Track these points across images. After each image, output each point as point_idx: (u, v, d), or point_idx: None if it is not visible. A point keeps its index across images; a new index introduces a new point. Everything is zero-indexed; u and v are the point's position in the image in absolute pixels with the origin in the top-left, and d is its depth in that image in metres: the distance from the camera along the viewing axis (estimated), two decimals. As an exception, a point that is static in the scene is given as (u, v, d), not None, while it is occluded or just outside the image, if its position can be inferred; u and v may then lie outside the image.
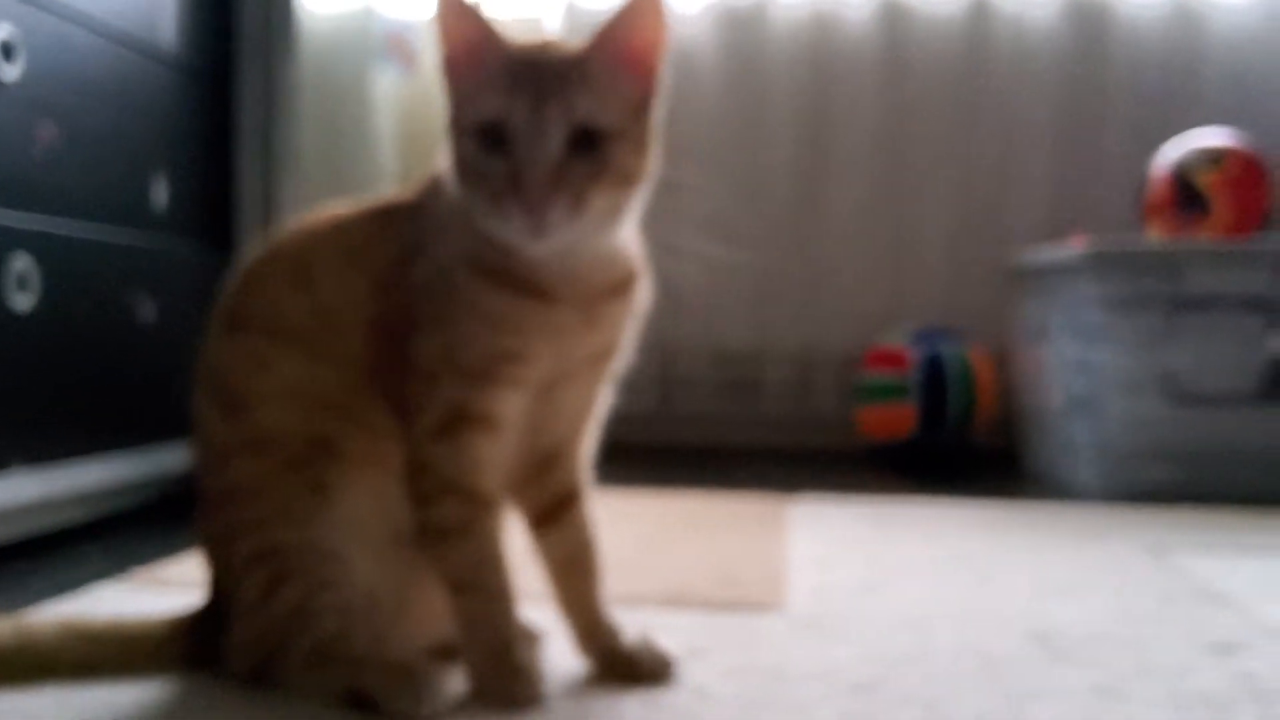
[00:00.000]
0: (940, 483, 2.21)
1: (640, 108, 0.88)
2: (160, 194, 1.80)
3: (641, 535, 1.61)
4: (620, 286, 0.93)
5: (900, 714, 0.90)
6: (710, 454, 2.67)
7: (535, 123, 0.83)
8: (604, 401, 0.99)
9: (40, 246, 1.50)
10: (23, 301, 1.46)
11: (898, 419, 2.48)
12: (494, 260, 0.88)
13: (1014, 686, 0.97)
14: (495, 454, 0.92)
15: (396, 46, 2.53)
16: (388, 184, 2.41)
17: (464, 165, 0.87)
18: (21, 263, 1.46)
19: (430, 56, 2.62)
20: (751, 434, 2.82)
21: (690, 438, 2.80)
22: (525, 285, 0.89)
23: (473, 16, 0.86)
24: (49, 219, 1.53)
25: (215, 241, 1.96)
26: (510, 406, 0.91)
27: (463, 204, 0.88)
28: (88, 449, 1.61)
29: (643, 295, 0.96)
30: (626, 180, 0.87)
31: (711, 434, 2.82)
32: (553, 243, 0.84)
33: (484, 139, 0.85)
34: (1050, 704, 0.92)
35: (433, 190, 0.94)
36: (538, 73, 0.84)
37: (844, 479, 2.26)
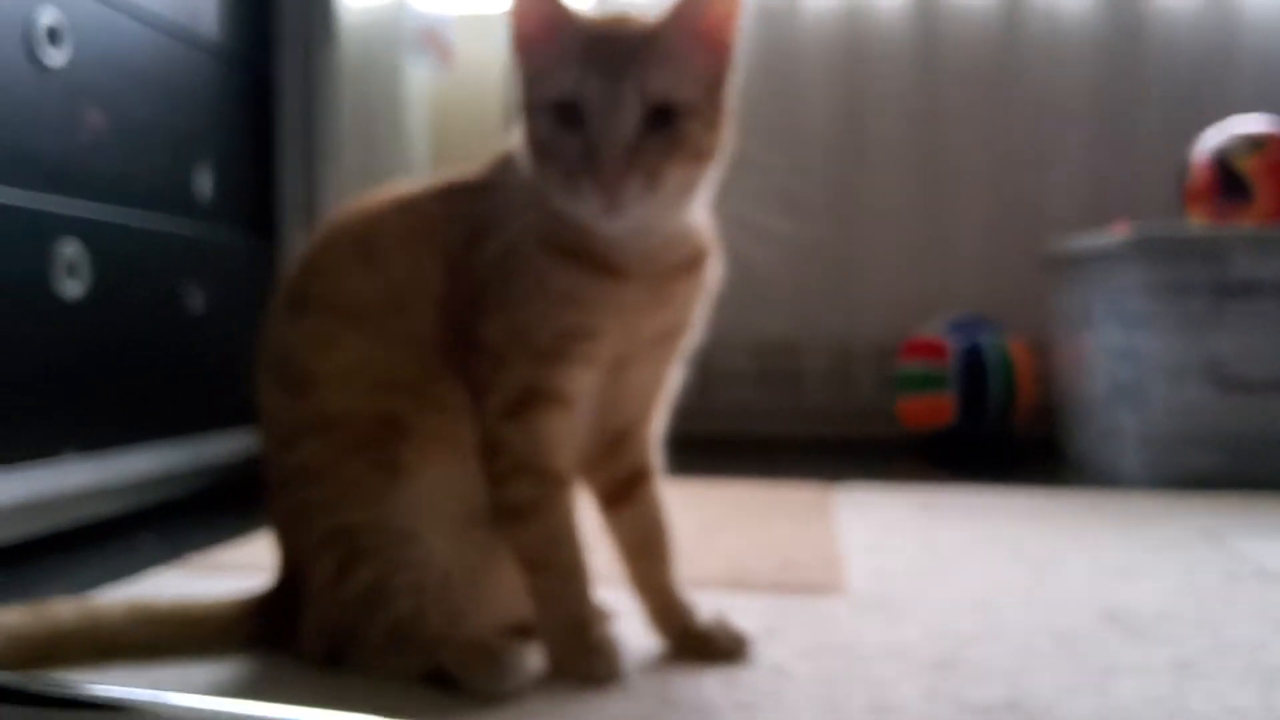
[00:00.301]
0: (981, 472, 2.19)
1: (714, 84, 0.87)
2: (205, 182, 1.80)
3: (692, 522, 1.60)
4: (691, 264, 0.93)
5: (984, 689, 0.89)
6: (750, 444, 2.65)
7: (610, 99, 0.82)
8: (674, 380, 0.99)
9: (89, 233, 1.50)
10: (73, 288, 1.46)
11: (937, 409, 2.46)
12: (567, 237, 0.87)
13: (1094, 662, 0.96)
14: (567, 432, 0.91)
15: (430, 40, 2.53)
16: (419, 176, 2.41)
17: (537, 143, 0.86)
18: (71, 249, 1.46)
19: (464, 51, 2.63)
20: (790, 425, 2.80)
21: (729, 429, 2.78)
22: (597, 262, 0.88)
23: None
24: (97, 206, 1.53)
25: (259, 231, 1.96)
26: (581, 384, 0.91)
27: (535, 182, 0.87)
28: (138, 437, 1.61)
29: (714, 273, 0.96)
30: (701, 157, 0.86)
31: (750, 425, 2.80)
32: (628, 220, 0.84)
33: (558, 116, 0.84)
34: (1134, 679, 0.91)
35: (502, 168, 0.93)
36: (612, 49, 0.83)
37: (885, 469, 2.24)
